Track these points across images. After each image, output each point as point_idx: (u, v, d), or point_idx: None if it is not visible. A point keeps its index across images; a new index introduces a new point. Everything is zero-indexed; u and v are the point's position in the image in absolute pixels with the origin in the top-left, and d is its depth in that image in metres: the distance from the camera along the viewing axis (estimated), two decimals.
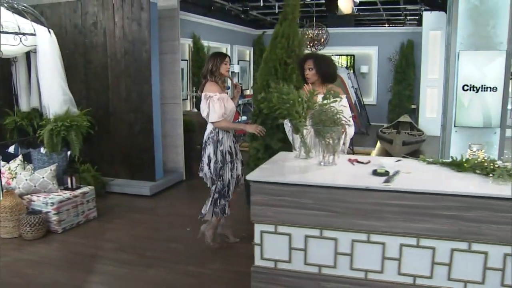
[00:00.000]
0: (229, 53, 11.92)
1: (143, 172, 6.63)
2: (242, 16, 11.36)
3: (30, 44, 5.57)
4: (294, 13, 5.19)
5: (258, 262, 3.28)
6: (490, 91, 6.64)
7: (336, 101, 3.65)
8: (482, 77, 6.66)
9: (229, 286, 3.85)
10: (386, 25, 13.99)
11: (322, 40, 10.27)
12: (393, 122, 11.43)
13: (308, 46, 10.47)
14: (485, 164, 3.14)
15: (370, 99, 13.52)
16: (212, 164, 4.38)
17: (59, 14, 6.67)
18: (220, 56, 4.47)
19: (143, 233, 5.09)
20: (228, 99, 4.44)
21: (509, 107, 11.46)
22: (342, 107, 4.11)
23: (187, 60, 10.06)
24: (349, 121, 4.13)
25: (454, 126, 6.91)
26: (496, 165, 3.10)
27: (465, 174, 3.19)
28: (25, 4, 5.70)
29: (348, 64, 13.50)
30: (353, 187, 2.95)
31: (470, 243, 2.84)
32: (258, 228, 3.22)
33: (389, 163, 3.43)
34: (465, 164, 3.25)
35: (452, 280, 2.92)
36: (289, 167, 3.46)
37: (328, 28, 11.02)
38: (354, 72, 13.23)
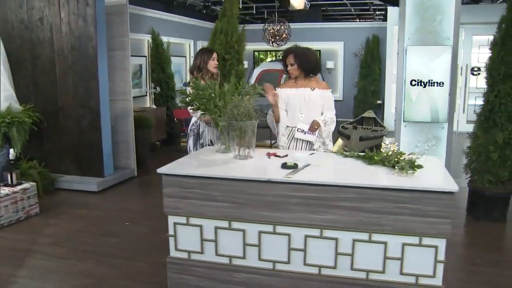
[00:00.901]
0: (192, 49, 11.96)
1: (91, 168, 6.66)
2: (205, 11, 11.40)
3: None
4: (233, 9, 5.30)
5: (173, 253, 3.36)
6: (437, 86, 6.81)
7: (256, 96, 3.75)
8: (429, 72, 6.81)
9: (153, 277, 3.92)
10: (357, 20, 14.12)
11: (284, 36, 10.37)
12: (357, 117, 11.57)
13: (270, 42, 10.58)
14: (391, 157, 3.26)
15: (336, 94, 13.57)
16: None
17: (5, 9, 6.65)
18: (207, 53, 4.55)
19: (83, 228, 5.13)
20: None
21: (471, 102, 11.71)
22: (329, 100, 4.39)
23: (145, 57, 10.07)
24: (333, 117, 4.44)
25: (403, 121, 7.08)
26: (402, 158, 3.22)
27: (375, 167, 3.29)
28: None
29: None
30: (257, 179, 3.04)
31: (370, 233, 2.93)
32: (171, 219, 3.30)
33: (303, 157, 3.53)
34: (375, 157, 3.36)
35: (355, 270, 3.01)
36: (204, 161, 3.54)
37: (293, 23, 11.11)
38: (320, 67, 13.32)
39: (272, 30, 10.35)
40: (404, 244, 2.91)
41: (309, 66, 4.21)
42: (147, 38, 10.08)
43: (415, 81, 6.91)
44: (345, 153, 3.65)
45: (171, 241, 3.34)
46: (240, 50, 5.31)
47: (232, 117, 3.43)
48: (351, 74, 13.50)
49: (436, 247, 2.88)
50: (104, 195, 6.43)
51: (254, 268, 3.19)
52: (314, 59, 4.31)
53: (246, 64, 13.64)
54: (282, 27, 10.33)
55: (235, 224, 3.17)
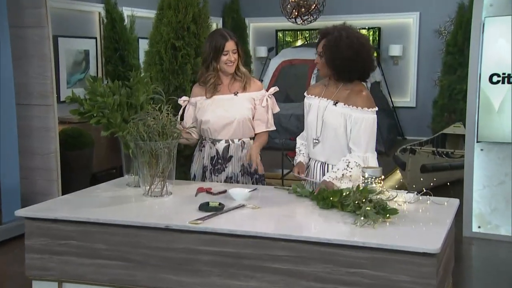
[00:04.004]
0: None
1: None
2: None
3: None
4: None
5: None
6: None
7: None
8: None
9: None
10: None
11: (313, 7, 10.61)
12: (436, 134, 11.46)
13: (292, 17, 10.88)
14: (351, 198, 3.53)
15: (405, 99, 13.71)
16: None
17: None
18: (220, 38, 4.62)
19: None
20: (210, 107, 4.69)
21: None
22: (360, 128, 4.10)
23: (95, 38, 10.53)
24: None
25: (477, 141, 7.11)
26: (372, 199, 3.45)
27: (330, 212, 3.58)
28: None
29: (371, 43, 13.77)
30: (152, 226, 3.42)
31: None
32: (36, 286, 3.70)
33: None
34: (331, 198, 3.63)
35: None
36: (99, 198, 3.99)
37: None
38: (379, 55, 13.49)
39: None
40: None
41: (341, 63, 4.04)
42: (98, 10, 10.52)
43: (498, 76, 6.85)
44: (298, 190, 4.00)
45: None
46: (200, 33, 5.65)
47: (137, 136, 3.81)
48: (430, 65, 13.40)
49: None
50: None
51: None
52: (354, 52, 4.01)
53: (264, 50, 14.02)
54: None
55: None
